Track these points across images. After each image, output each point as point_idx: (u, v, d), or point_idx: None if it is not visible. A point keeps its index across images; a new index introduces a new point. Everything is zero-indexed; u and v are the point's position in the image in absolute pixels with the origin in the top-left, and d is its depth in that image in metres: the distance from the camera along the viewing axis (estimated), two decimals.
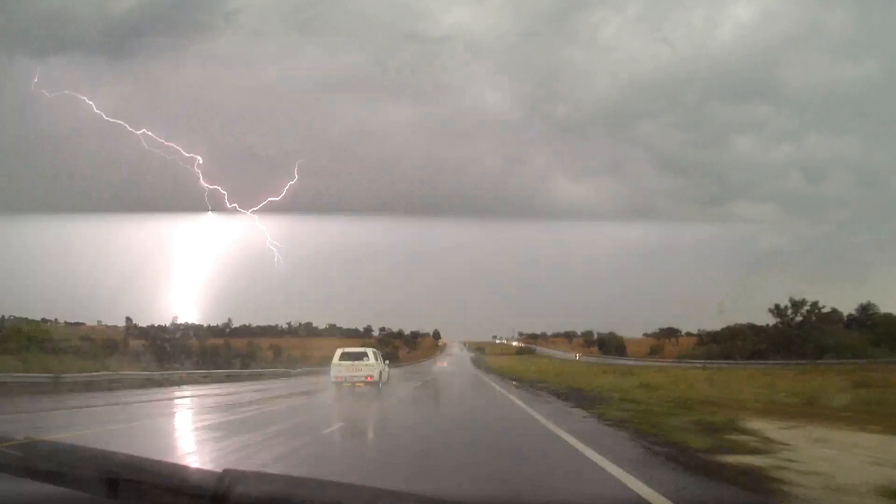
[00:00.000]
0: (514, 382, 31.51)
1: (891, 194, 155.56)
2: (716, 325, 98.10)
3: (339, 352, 24.19)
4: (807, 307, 61.10)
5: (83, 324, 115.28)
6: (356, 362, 23.42)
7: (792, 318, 61.36)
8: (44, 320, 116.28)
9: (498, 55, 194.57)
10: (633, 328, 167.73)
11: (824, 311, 62.20)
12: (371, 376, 23.02)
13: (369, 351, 24.81)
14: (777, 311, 62.48)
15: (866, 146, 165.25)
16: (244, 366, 59.45)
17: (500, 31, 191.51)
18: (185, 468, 2.55)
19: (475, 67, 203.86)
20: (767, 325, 75.50)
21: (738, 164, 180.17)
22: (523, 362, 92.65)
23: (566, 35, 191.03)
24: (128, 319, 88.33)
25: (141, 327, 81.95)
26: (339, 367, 23.22)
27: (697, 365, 56.52)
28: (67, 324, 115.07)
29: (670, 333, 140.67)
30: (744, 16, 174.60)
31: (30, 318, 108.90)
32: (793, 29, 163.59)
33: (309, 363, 62.10)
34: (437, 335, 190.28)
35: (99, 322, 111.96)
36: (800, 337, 59.04)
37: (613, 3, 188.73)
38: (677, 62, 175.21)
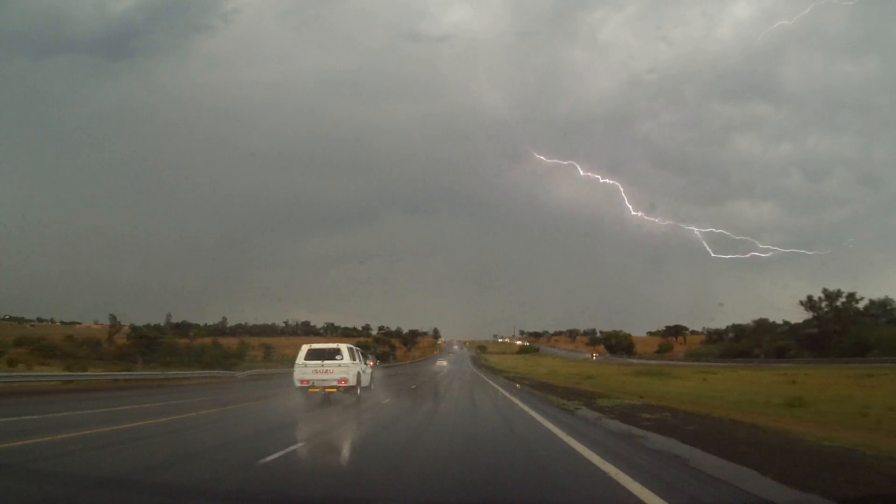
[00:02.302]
0: (539, 393, 22.89)
1: (891, 192, 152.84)
2: (719, 323, 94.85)
3: (304, 349, 18.97)
4: (842, 299, 56.52)
5: (79, 323, 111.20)
6: (326, 362, 18.33)
7: (827, 312, 56.74)
8: (39, 320, 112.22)
9: (497, 54, 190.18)
10: (635, 326, 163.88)
11: (861, 303, 57.68)
12: (345, 380, 18.03)
13: (343, 347, 19.31)
14: (809, 303, 57.79)
15: (866, 144, 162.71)
16: (166, 366, 47.60)
17: (499, 30, 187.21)
18: None
19: (475, 67, 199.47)
20: (774, 322, 71.81)
21: (738, 162, 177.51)
22: (530, 362, 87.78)
23: (565, 34, 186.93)
24: (112, 318, 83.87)
25: (136, 326, 77.68)
26: (303, 369, 18.23)
27: (739, 365, 51.86)
28: (63, 323, 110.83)
29: (676, 332, 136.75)
30: (743, 14, 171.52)
31: (26, 317, 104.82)
32: (792, 27, 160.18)
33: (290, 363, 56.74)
34: (436, 334, 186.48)
35: (95, 321, 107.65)
36: (835, 332, 54.41)
37: (613, 2, 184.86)
38: (677, 60, 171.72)
